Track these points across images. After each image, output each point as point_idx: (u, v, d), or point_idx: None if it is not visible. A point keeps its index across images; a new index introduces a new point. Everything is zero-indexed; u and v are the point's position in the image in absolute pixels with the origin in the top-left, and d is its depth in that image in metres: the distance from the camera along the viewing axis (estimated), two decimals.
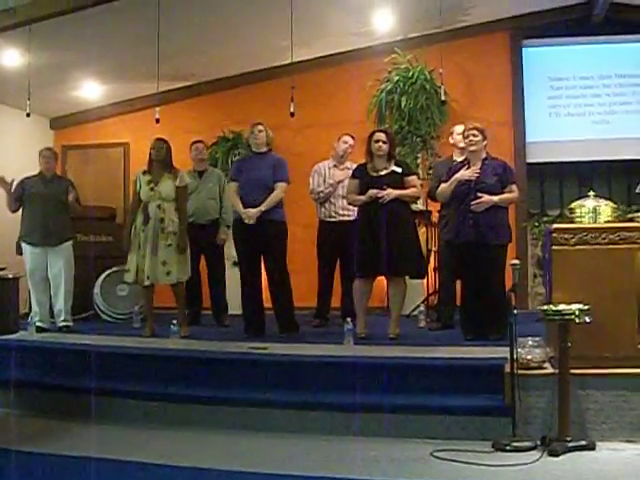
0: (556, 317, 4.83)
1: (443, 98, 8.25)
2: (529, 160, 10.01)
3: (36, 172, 7.88)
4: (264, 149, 7.21)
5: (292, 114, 7.65)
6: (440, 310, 7.68)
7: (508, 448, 4.73)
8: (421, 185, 7.76)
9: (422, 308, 7.96)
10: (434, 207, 8.25)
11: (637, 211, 6.00)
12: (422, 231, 8.49)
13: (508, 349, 4.91)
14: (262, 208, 6.91)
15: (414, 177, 6.97)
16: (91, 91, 10.35)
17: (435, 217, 8.33)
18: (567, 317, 4.78)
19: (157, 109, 8.11)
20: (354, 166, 7.21)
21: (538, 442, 4.77)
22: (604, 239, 5.17)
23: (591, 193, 5.57)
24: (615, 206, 5.60)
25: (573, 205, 5.57)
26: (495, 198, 6.36)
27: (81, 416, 5.69)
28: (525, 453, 4.66)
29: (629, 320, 5.06)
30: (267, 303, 7.26)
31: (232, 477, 4.43)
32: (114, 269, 8.90)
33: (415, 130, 9.30)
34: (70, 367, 6.28)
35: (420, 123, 9.29)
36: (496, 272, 6.33)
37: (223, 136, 10.09)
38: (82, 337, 7.28)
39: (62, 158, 10.23)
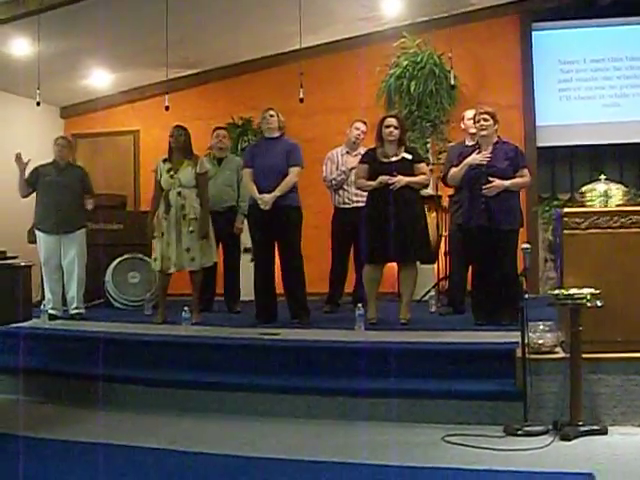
0: (567, 301, 4.81)
1: (452, 82, 8.24)
2: (539, 144, 9.98)
3: (50, 160, 7.89)
4: (276, 134, 7.18)
5: (301, 100, 7.65)
6: (451, 295, 7.68)
7: (520, 433, 4.73)
8: (431, 171, 7.76)
9: (433, 293, 7.96)
10: (444, 192, 8.25)
11: None
12: (432, 216, 8.49)
13: (519, 333, 4.89)
14: (277, 193, 6.88)
15: (424, 164, 6.96)
16: (101, 79, 10.37)
17: (445, 202, 8.32)
18: (578, 301, 4.76)
19: (166, 96, 8.12)
20: None
21: (550, 427, 4.77)
22: (615, 223, 5.15)
23: (602, 177, 5.55)
24: (626, 189, 5.57)
25: (584, 189, 5.55)
26: (507, 182, 6.34)
27: (93, 403, 5.72)
28: (537, 438, 4.66)
29: None
30: (279, 289, 7.25)
31: (243, 462, 4.44)
32: (125, 256, 8.92)
33: (424, 115, 9.28)
34: (82, 354, 6.30)
35: (429, 108, 9.26)
36: (507, 257, 6.30)
37: (232, 122, 10.08)
38: (94, 324, 7.30)
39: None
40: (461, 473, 4.16)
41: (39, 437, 4.94)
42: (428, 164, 9.00)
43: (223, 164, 8.22)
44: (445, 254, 8.35)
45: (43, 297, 7.90)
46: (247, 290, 7.94)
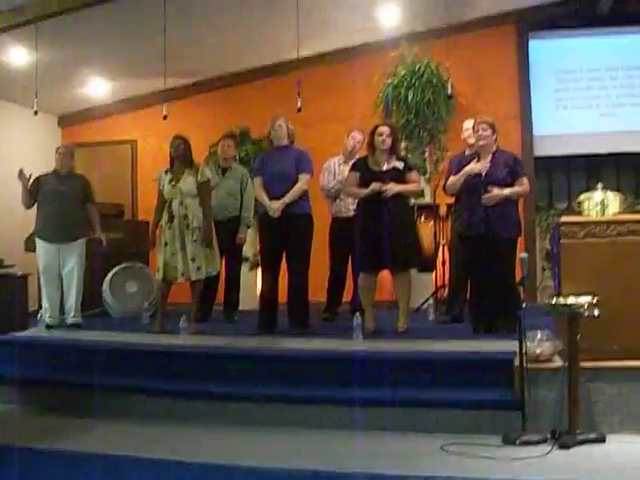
0: (565, 310, 4.82)
1: (450, 92, 8.26)
2: (537, 153, 10.01)
3: (51, 169, 7.88)
4: (285, 142, 7.20)
5: (299, 109, 7.65)
6: (450, 303, 7.68)
7: (518, 442, 4.72)
8: (428, 180, 7.76)
9: (431, 302, 7.96)
10: (442, 201, 8.25)
11: None
12: (430, 225, 8.51)
13: (517, 342, 4.89)
14: (286, 200, 6.89)
15: (415, 173, 6.97)
16: (98, 88, 10.40)
17: (443, 211, 8.33)
18: (576, 310, 4.76)
19: (164, 106, 8.13)
20: None
21: (548, 435, 4.76)
22: (612, 232, 5.15)
23: (599, 186, 5.56)
24: (623, 198, 5.58)
25: (581, 198, 5.57)
26: (506, 191, 6.34)
27: (91, 413, 5.68)
28: (535, 446, 4.64)
29: (638, 312, 5.05)
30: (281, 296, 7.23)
31: (241, 472, 4.43)
32: (122, 266, 8.91)
33: (422, 124, 9.29)
34: (79, 364, 6.27)
35: (427, 117, 9.28)
36: (506, 266, 6.30)
37: (230, 132, 10.09)
38: (91, 334, 7.27)
39: None
40: None
41: (36, 448, 4.90)
42: (425, 173, 9.05)
43: (227, 174, 8.21)
44: (443, 263, 8.36)
45: (40, 306, 7.88)
46: (245, 300, 7.93)
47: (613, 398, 4.95)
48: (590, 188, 5.70)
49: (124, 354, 6.32)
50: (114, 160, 11.34)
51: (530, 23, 10.15)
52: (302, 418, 5.33)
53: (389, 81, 9.50)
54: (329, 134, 9.53)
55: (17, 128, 10.27)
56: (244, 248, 8.44)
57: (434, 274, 8.65)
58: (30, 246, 7.99)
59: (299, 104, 7.64)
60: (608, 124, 9.96)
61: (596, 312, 4.74)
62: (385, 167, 6.72)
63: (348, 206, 7.77)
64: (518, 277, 5.30)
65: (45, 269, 7.69)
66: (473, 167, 6.47)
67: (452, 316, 7.49)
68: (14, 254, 8.44)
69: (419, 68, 9.36)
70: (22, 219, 8.03)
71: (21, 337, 6.54)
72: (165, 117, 8.05)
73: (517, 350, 4.91)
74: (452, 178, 6.69)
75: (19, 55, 8.51)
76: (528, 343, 5.02)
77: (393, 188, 6.58)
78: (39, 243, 7.70)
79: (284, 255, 7.10)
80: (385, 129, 6.77)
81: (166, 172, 7.36)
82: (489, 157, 6.47)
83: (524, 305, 4.95)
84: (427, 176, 9.18)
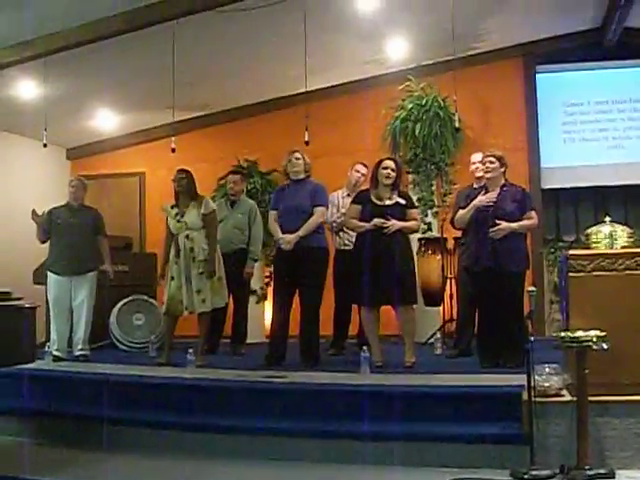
0: (573, 344, 4.80)
1: (457, 125, 8.28)
2: (544, 186, 10.02)
3: (60, 201, 7.91)
4: (302, 176, 7.20)
5: (307, 142, 7.66)
6: (457, 337, 7.64)
7: (526, 477, 4.67)
8: (436, 213, 7.73)
9: (438, 335, 7.93)
10: (450, 234, 8.24)
11: None
12: (438, 258, 8.49)
13: (525, 376, 4.87)
14: (300, 233, 6.88)
15: (415, 210, 7.01)
16: (107, 121, 10.45)
17: (451, 244, 8.32)
18: (584, 344, 4.74)
19: (173, 139, 8.17)
20: None
21: (557, 471, 4.72)
22: (621, 265, 5.13)
23: (607, 218, 5.55)
24: (632, 231, 5.57)
25: (589, 231, 5.55)
26: (514, 225, 6.34)
27: (97, 445, 5.68)
28: None
29: None
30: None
31: None
32: (130, 298, 8.92)
33: (430, 157, 9.30)
34: (86, 396, 6.26)
35: (434, 150, 9.27)
36: (514, 300, 6.27)
37: (238, 165, 10.12)
38: (99, 366, 7.27)
39: None
40: None
41: None
42: (432, 207, 9.05)
43: (235, 206, 8.24)
44: (450, 296, 8.34)
45: (48, 338, 7.88)
46: (253, 332, 7.90)
47: (622, 433, 4.91)
48: (598, 221, 5.68)
49: (131, 387, 6.30)
50: (122, 192, 11.38)
51: (537, 56, 10.20)
52: (310, 452, 5.30)
53: (397, 114, 9.51)
54: (337, 167, 9.51)
55: (26, 160, 10.32)
56: (251, 281, 8.43)
57: (442, 308, 8.63)
58: (39, 279, 7.99)
59: (307, 137, 7.65)
60: (615, 156, 9.98)
61: (605, 346, 4.72)
62: (388, 202, 6.73)
63: (352, 239, 7.73)
64: (526, 310, 5.29)
65: (56, 301, 7.71)
66: (481, 199, 6.47)
67: (460, 350, 7.45)
68: (22, 286, 8.44)
69: (426, 101, 9.37)
70: (31, 251, 8.04)
71: (29, 369, 6.52)
72: (173, 150, 8.09)
73: (525, 384, 4.89)
74: (461, 212, 6.69)
75: (28, 89, 8.57)
76: (536, 377, 5.00)
77: (395, 225, 6.59)
78: (50, 276, 7.72)
79: (297, 289, 7.07)
80: (390, 163, 6.79)
81: (172, 207, 7.38)
82: (497, 190, 6.47)
83: (532, 339, 4.93)
84: (434, 209, 9.18)
